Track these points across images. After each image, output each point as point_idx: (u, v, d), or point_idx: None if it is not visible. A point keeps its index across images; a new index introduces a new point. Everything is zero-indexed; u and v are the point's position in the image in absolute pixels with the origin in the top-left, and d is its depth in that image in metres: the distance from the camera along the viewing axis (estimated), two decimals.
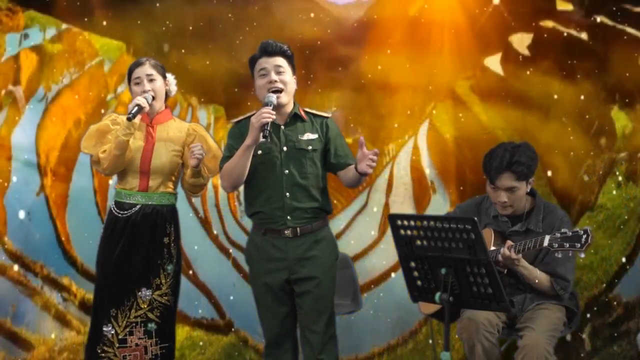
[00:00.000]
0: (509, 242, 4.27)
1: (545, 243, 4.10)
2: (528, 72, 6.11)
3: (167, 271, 4.54)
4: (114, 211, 4.53)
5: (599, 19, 6.12)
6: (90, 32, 6.17)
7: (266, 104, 4.16)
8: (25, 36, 6.14)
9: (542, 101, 6.09)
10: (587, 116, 6.07)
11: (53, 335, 6.02)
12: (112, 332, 4.47)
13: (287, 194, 4.24)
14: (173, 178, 4.59)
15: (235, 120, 4.44)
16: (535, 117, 6.05)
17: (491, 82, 6.17)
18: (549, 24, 6.17)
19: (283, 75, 4.27)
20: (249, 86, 5.82)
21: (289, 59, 4.34)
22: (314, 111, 4.42)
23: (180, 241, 4.65)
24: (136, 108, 4.39)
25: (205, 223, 6.19)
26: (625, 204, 6.05)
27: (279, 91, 4.24)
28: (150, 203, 4.52)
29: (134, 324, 4.48)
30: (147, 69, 4.53)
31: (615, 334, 6.03)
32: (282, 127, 4.31)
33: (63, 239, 6.05)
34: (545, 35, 6.14)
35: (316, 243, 4.28)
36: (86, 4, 6.14)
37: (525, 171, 4.33)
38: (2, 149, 6.08)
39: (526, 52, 6.17)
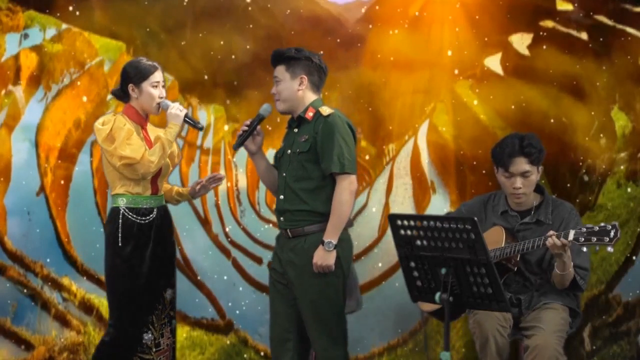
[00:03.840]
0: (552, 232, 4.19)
1: (571, 237, 4.06)
2: (528, 72, 6.11)
3: (175, 265, 4.59)
4: (131, 218, 4.34)
5: (599, 19, 6.12)
6: (90, 32, 6.16)
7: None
8: (25, 36, 6.12)
9: (543, 101, 6.10)
10: (587, 116, 6.08)
11: (53, 335, 6.01)
12: (152, 338, 4.42)
13: (281, 196, 4.31)
14: None
15: None
16: (536, 117, 6.05)
17: (491, 82, 6.18)
18: (549, 24, 6.17)
19: (278, 84, 4.31)
20: (248, 87, 5.80)
21: (288, 61, 4.28)
22: (321, 110, 4.29)
23: None
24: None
25: (205, 223, 6.19)
26: (625, 204, 6.06)
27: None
28: (161, 205, 4.50)
29: (163, 325, 4.47)
30: (161, 75, 4.49)
31: (615, 334, 6.04)
32: (295, 130, 4.34)
33: (63, 239, 6.04)
34: (545, 35, 6.14)
35: (303, 248, 4.23)
36: (86, 4, 6.14)
37: (537, 155, 4.38)
38: (2, 148, 6.07)
39: (526, 52, 6.17)
